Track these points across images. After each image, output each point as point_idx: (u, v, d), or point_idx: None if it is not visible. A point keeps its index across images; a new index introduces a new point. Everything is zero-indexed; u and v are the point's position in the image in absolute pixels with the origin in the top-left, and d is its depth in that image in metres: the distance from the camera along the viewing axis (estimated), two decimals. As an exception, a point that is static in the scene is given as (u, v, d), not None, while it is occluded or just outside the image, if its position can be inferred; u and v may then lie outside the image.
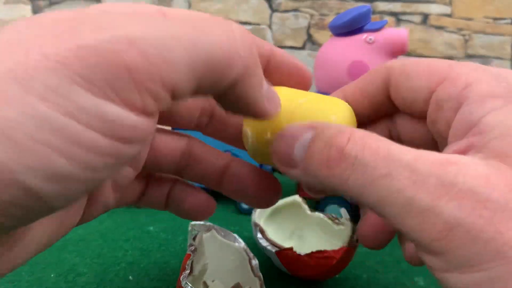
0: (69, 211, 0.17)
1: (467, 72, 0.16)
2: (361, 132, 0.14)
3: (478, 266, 0.12)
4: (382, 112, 0.21)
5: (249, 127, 0.18)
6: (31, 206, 0.11)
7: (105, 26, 0.11)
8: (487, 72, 0.16)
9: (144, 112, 0.12)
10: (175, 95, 0.12)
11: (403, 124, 0.21)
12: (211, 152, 0.21)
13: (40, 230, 0.16)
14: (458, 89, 0.16)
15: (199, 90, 0.13)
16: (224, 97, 0.14)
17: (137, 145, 0.12)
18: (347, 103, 0.19)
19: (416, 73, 0.18)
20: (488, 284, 0.12)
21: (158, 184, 0.22)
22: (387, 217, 0.14)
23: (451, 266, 0.12)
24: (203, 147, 0.21)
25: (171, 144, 0.21)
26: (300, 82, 0.20)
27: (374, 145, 0.14)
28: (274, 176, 0.22)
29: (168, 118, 0.20)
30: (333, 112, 0.18)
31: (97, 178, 0.12)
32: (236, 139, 0.21)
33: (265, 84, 0.15)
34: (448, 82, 0.17)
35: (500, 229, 0.12)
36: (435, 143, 0.19)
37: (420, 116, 0.19)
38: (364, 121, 0.21)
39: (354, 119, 0.19)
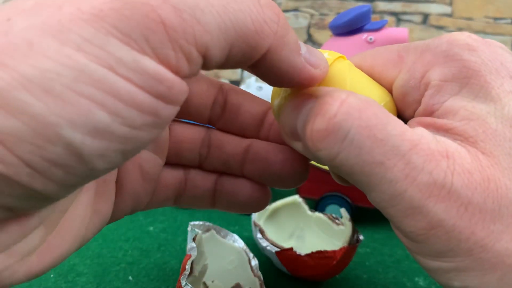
0: (101, 197, 0.17)
1: (418, 59, 0.16)
2: (359, 101, 0.14)
3: (449, 258, 0.13)
4: None
5: (284, 100, 0.17)
6: (73, 166, 0.11)
7: None
8: (438, 54, 0.16)
9: (178, 72, 0.11)
10: (207, 59, 0.12)
11: None
12: (231, 137, 0.21)
13: (76, 216, 0.15)
14: (416, 80, 0.16)
15: (231, 58, 0.13)
16: (262, 67, 0.14)
17: (172, 109, 0.12)
18: (387, 92, 0.18)
19: (371, 71, 0.18)
20: (454, 271, 0.13)
21: (200, 179, 0.21)
22: (373, 200, 0.14)
23: (425, 253, 0.14)
24: (221, 134, 0.21)
25: (190, 132, 0.20)
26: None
27: (373, 121, 0.13)
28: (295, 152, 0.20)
29: (181, 110, 0.19)
30: (378, 100, 0.17)
31: (135, 138, 0.11)
32: (249, 129, 0.20)
33: (303, 46, 0.15)
34: (403, 74, 0.16)
35: (474, 230, 0.13)
36: None
37: None
38: None
39: (395, 109, 0.18)
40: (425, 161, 0.13)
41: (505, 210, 0.13)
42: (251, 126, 0.20)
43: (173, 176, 0.20)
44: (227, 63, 0.13)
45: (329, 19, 0.67)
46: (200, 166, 0.21)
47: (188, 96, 0.18)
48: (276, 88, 0.18)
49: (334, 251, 0.27)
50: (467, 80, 0.15)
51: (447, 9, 0.66)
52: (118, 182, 0.18)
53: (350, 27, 0.39)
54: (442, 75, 0.15)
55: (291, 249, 0.28)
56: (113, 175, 0.18)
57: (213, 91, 0.20)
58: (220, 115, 0.20)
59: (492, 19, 0.66)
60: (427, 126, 0.15)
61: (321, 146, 0.14)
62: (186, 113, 0.20)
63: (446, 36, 0.16)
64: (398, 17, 0.67)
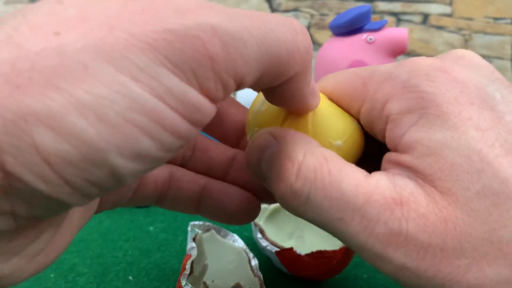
0: None
1: (379, 89, 0.16)
2: (314, 160, 0.15)
3: None
4: None
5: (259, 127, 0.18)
6: (109, 185, 0.11)
7: (185, 10, 0.11)
8: (397, 85, 0.16)
9: (214, 100, 0.12)
10: (239, 86, 0.13)
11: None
12: (217, 143, 0.21)
13: (76, 212, 0.16)
14: (377, 111, 0.16)
15: (259, 83, 0.13)
16: (277, 90, 0.15)
17: (200, 129, 0.13)
18: (357, 123, 0.18)
19: (338, 101, 0.18)
20: None
21: (186, 181, 0.20)
22: (346, 244, 0.15)
23: (404, 284, 0.15)
24: (207, 139, 0.21)
25: None
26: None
27: (327, 180, 0.14)
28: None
29: None
30: (338, 136, 0.17)
31: (167, 159, 0.12)
32: (232, 137, 0.21)
33: (312, 80, 0.16)
34: (367, 103, 0.17)
35: (439, 268, 0.14)
36: None
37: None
38: None
39: (360, 143, 0.18)
40: (380, 212, 0.14)
41: (467, 244, 0.13)
42: (234, 133, 0.21)
43: (157, 173, 0.20)
44: (253, 87, 0.14)
45: (329, 19, 0.67)
46: (183, 166, 0.21)
47: None
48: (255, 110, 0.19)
49: (334, 251, 0.27)
50: (424, 111, 0.15)
51: (447, 9, 0.66)
52: None
53: (350, 27, 0.39)
54: (399, 108, 0.15)
55: (291, 249, 0.28)
56: None
57: None
58: (190, 156, 0.21)
59: (492, 19, 0.66)
60: (394, 164, 0.15)
61: (288, 208, 0.15)
62: None
63: (408, 64, 0.16)
64: (398, 17, 0.67)
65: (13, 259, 0.12)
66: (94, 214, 0.18)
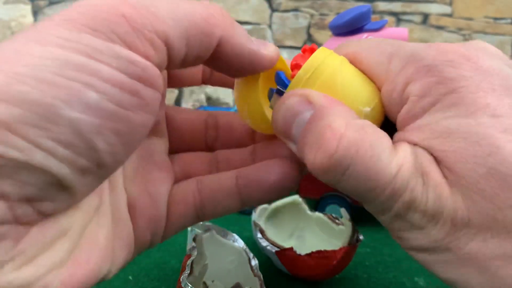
0: (118, 223, 0.17)
1: (402, 70, 0.16)
2: (356, 133, 0.15)
3: (432, 252, 0.16)
4: None
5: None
6: (77, 145, 0.12)
7: None
8: (420, 68, 0.16)
9: (147, 57, 0.13)
10: (170, 49, 0.14)
11: None
12: (232, 151, 0.21)
13: (99, 236, 0.16)
14: (398, 92, 0.17)
15: (191, 49, 0.15)
16: (221, 57, 0.16)
17: (153, 92, 0.14)
18: (378, 90, 0.18)
19: (366, 66, 0.18)
20: (440, 263, 0.15)
21: (216, 181, 0.20)
22: (367, 208, 0.16)
23: (414, 247, 0.16)
24: (228, 115, 0.21)
25: (191, 116, 0.21)
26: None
27: (367, 153, 0.15)
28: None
29: (178, 141, 0.21)
30: (367, 102, 0.17)
31: (126, 118, 0.13)
32: (245, 143, 0.21)
33: (254, 38, 0.17)
34: (387, 85, 0.17)
35: (448, 232, 0.15)
36: None
37: None
38: None
39: (383, 111, 0.18)
40: (408, 181, 0.15)
41: (474, 218, 0.14)
42: (246, 139, 0.21)
43: (183, 190, 0.19)
44: (190, 57, 0.15)
45: (329, 19, 0.67)
46: (210, 147, 0.21)
47: (180, 125, 0.21)
48: (242, 89, 0.19)
49: (334, 251, 0.27)
50: (442, 96, 0.15)
51: (447, 9, 0.66)
52: (130, 208, 0.18)
53: (350, 27, 0.39)
54: (419, 90, 0.16)
55: (291, 249, 0.28)
56: (122, 201, 0.18)
57: (202, 117, 0.21)
58: (215, 136, 0.21)
59: (492, 19, 0.66)
60: (402, 141, 0.16)
61: (322, 177, 0.16)
62: (183, 143, 0.21)
63: (434, 48, 0.16)
64: (398, 17, 0.67)
65: (27, 268, 0.13)
66: (135, 255, 0.18)
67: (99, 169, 0.13)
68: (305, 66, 0.17)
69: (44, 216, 0.13)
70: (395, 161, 0.15)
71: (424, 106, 0.16)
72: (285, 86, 0.18)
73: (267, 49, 0.17)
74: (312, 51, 0.18)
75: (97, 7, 0.13)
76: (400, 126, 0.17)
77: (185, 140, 0.21)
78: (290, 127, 0.17)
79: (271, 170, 0.19)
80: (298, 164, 0.19)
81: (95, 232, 0.16)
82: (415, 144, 0.16)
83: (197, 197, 0.19)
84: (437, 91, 0.15)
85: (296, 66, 0.18)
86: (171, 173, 0.20)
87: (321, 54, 0.17)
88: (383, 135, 0.16)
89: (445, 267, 0.15)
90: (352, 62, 0.18)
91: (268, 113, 0.19)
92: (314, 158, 0.16)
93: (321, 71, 0.17)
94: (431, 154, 0.15)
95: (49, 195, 0.13)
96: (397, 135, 0.17)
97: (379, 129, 0.16)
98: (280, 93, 0.18)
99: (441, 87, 0.15)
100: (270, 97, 0.19)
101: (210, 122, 0.21)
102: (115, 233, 0.17)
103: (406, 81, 0.16)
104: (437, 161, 0.15)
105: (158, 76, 0.14)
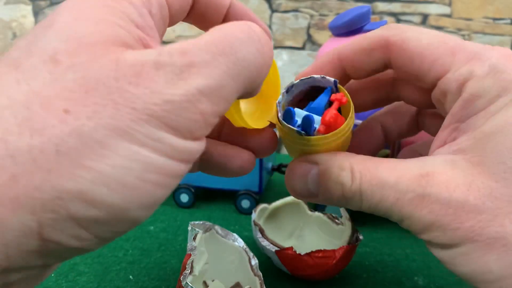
0: None
1: (465, 65, 0.17)
2: (357, 165, 0.18)
3: (451, 247, 0.16)
4: (381, 79, 0.22)
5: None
6: (127, 231, 0.14)
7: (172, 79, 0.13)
8: (485, 65, 0.17)
9: (203, 137, 0.14)
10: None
11: (403, 89, 0.22)
12: None
13: None
14: (459, 84, 0.17)
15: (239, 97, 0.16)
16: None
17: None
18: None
19: (419, 57, 0.18)
20: (460, 257, 0.16)
21: None
22: (392, 219, 0.18)
23: (432, 245, 0.17)
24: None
25: None
26: None
27: (368, 176, 0.18)
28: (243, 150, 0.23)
29: None
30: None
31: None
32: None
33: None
34: (451, 74, 0.18)
35: (460, 220, 0.16)
36: (434, 106, 0.20)
37: (422, 87, 0.20)
38: (362, 86, 0.23)
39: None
40: (408, 185, 0.17)
41: (490, 204, 0.16)
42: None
43: None
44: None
45: (329, 19, 0.67)
46: None
47: None
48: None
49: (333, 251, 0.27)
50: (497, 98, 0.16)
51: (446, 9, 0.66)
52: None
53: (349, 28, 0.39)
54: (477, 89, 0.17)
55: (291, 248, 0.28)
56: None
57: None
58: None
59: (491, 20, 0.66)
60: (446, 136, 0.18)
61: (348, 203, 0.19)
62: None
63: (498, 50, 0.17)
64: (398, 18, 0.67)
65: None
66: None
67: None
68: (337, 132, 0.18)
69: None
70: (393, 173, 0.17)
71: (479, 105, 0.17)
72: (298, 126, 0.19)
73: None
74: (340, 102, 0.19)
75: (179, 104, 0.13)
76: (451, 116, 0.18)
77: None
78: (306, 186, 0.19)
79: (233, 159, 0.21)
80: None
81: None
82: (453, 144, 0.18)
83: None
84: (494, 92, 0.16)
85: (328, 124, 0.18)
86: None
87: (353, 112, 0.19)
88: (380, 160, 0.18)
89: (467, 259, 0.16)
90: (400, 44, 0.19)
91: (239, 109, 0.20)
92: (336, 196, 0.19)
93: (341, 137, 0.19)
94: (456, 151, 0.17)
95: (63, 260, 0.14)
96: (443, 134, 0.18)
97: (374, 158, 0.19)
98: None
99: (499, 89, 0.16)
100: (286, 118, 0.19)
101: (207, 154, 0.22)
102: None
103: (468, 76, 0.17)
104: (460, 154, 0.17)
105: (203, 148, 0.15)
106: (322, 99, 0.19)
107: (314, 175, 0.19)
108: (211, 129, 0.14)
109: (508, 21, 0.66)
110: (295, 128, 0.18)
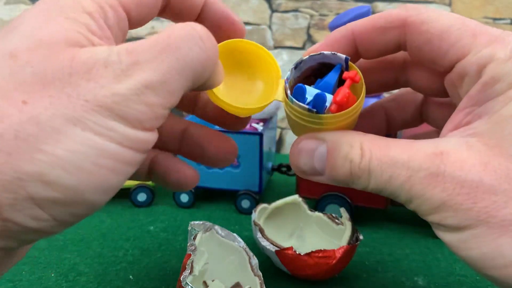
0: None
1: (486, 48, 0.17)
2: (367, 143, 0.18)
3: (462, 230, 0.16)
4: (392, 60, 0.22)
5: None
6: (85, 215, 0.15)
7: (120, 74, 0.14)
8: (507, 49, 0.17)
9: (154, 128, 0.16)
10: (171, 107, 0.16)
11: (414, 73, 0.22)
12: (170, 119, 0.23)
13: None
14: (479, 66, 0.17)
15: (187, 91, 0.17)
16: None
17: (146, 153, 0.16)
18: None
19: (438, 39, 0.18)
20: (471, 240, 0.16)
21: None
22: (399, 200, 0.18)
23: (441, 228, 0.17)
24: (208, 133, 0.24)
25: (170, 121, 0.24)
26: (232, 33, 0.22)
27: (378, 153, 0.17)
28: (228, 137, 0.24)
29: None
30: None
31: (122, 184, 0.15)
32: (218, 119, 0.25)
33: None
34: (471, 56, 0.17)
35: (474, 201, 0.15)
36: (446, 93, 0.20)
37: (435, 71, 0.20)
38: (371, 66, 0.22)
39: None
40: (421, 163, 0.16)
41: (507, 185, 0.15)
42: (185, 106, 0.25)
43: None
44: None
45: (329, 19, 0.67)
46: None
47: None
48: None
49: (333, 251, 0.27)
50: None
51: (446, 9, 0.66)
52: None
53: (349, 28, 0.39)
54: (498, 73, 0.16)
55: (291, 248, 0.28)
56: None
57: (181, 125, 0.24)
58: (188, 151, 0.24)
59: (491, 20, 0.66)
60: (464, 116, 0.18)
61: (356, 182, 0.18)
62: None
63: None
64: (398, 18, 0.67)
65: None
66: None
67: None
68: (348, 111, 0.18)
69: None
70: (405, 151, 0.17)
71: (497, 89, 0.16)
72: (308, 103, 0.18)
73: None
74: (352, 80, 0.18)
75: (127, 97, 0.14)
76: (467, 99, 0.18)
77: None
78: (313, 165, 0.19)
79: (173, 172, 0.23)
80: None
81: None
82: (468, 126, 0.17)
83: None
84: None
85: (339, 103, 0.18)
86: None
87: (364, 90, 0.19)
88: (391, 139, 0.18)
89: (478, 242, 0.15)
90: (418, 24, 0.18)
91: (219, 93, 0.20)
92: (342, 174, 0.18)
93: (353, 115, 0.19)
94: (471, 134, 0.17)
95: (25, 243, 0.15)
96: (462, 112, 0.18)
97: (384, 137, 0.18)
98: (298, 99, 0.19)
99: None
100: (297, 95, 0.19)
101: (188, 135, 0.24)
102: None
103: (489, 59, 0.17)
104: (476, 137, 0.16)
105: (156, 139, 0.16)
106: (332, 77, 0.19)
107: (321, 152, 0.19)
108: (161, 121, 0.16)
109: (508, 21, 0.66)
110: (307, 106, 0.18)
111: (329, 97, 0.18)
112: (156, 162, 0.23)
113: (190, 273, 0.24)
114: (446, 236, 0.17)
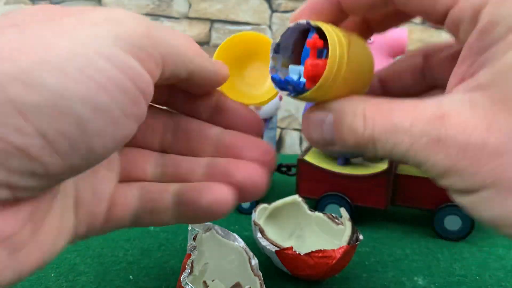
0: (65, 213, 0.17)
1: None
2: (370, 109, 0.17)
3: (472, 193, 0.15)
4: (411, 63, 0.22)
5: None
6: (77, 141, 0.13)
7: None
8: None
9: (152, 74, 0.15)
10: (164, 69, 0.16)
11: (438, 68, 0.22)
12: (186, 158, 0.21)
13: (53, 224, 0.16)
14: (474, 11, 0.16)
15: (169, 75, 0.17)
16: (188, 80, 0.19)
17: (146, 105, 0.15)
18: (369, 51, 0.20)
19: None
20: (482, 203, 0.15)
21: (157, 191, 0.20)
22: (410, 165, 0.17)
23: (453, 192, 0.16)
24: (192, 122, 0.22)
25: (149, 114, 0.20)
26: (251, 129, 0.21)
27: (381, 121, 0.17)
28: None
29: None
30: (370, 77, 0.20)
31: (124, 125, 0.14)
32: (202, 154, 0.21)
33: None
34: (464, 1, 0.16)
35: (479, 164, 0.15)
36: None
37: (436, 22, 0.18)
38: (390, 74, 0.23)
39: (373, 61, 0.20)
40: (422, 128, 0.16)
41: None
42: (205, 149, 0.21)
43: (127, 192, 0.20)
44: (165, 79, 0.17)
45: (329, 19, 0.67)
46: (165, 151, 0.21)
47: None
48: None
49: (333, 251, 0.27)
50: None
51: None
52: (74, 201, 0.18)
53: (349, 28, 0.39)
54: (493, 16, 0.15)
55: (291, 248, 0.28)
56: (70, 194, 0.18)
57: (162, 117, 0.22)
58: (171, 141, 0.21)
59: None
60: (464, 71, 0.17)
61: (363, 148, 0.18)
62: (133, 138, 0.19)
63: None
64: (398, 18, 0.67)
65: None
66: (68, 242, 0.18)
67: (83, 167, 0.14)
68: (325, 75, 0.17)
69: (18, 200, 0.14)
70: (408, 116, 0.16)
71: (495, 34, 0.15)
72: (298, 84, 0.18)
73: (221, 67, 0.20)
74: (315, 45, 0.17)
75: (136, 33, 0.14)
76: (467, 49, 0.16)
77: (136, 135, 0.19)
78: (323, 137, 0.19)
79: (204, 194, 0.19)
80: (236, 190, 0.19)
81: (51, 220, 0.16)
82: (471, 80, 0.16)
83: (137, 205, 0.20)
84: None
85: (312, 68, 0.17)
86: (117, 171, 0.20)
87: (335, 52, 0.17)
88: (393, 101, 0.17)
89: (488, 204, 0.15)
90: None
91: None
92: (350, 142, 0.18)
93: (340, 72, 0.17)
94: (475, 88, 0.16)
95: (30, 185, 0.13)
96: (463, 64, 0.17)
97: (386, 99, 0.17)
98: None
99: None
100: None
101: (169, 125, 0.21)
102: (62, 223, 0.17)
103: (484, 0, 0.15)
104: (480, 90, 0.15)
105: (150, 87, 0.15)
106: (305, 49, 0.18)
107: (329, 123, 0.18)
108: (155, 68, 0.15)
109: None
110: (286, 92, 0.18)
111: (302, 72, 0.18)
112: (183, 193, 0.19)
113: (190, 273, 0.24)
114: (458, 199, 0.16)
